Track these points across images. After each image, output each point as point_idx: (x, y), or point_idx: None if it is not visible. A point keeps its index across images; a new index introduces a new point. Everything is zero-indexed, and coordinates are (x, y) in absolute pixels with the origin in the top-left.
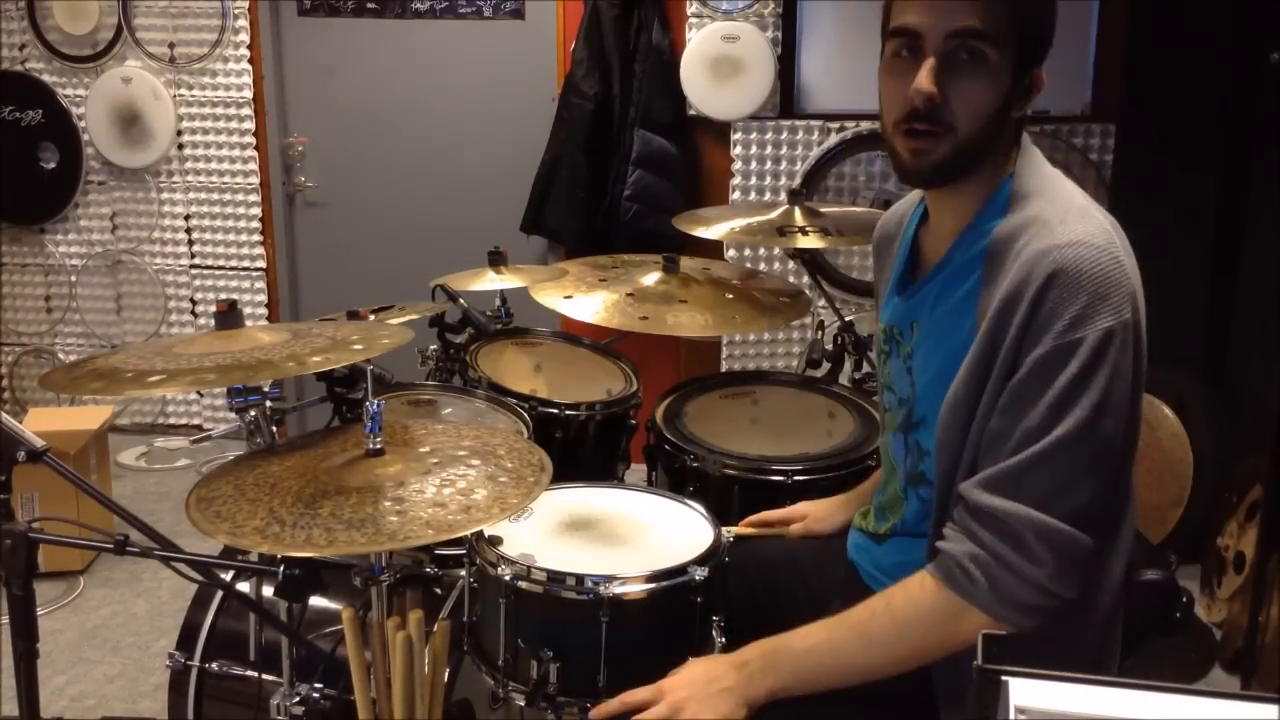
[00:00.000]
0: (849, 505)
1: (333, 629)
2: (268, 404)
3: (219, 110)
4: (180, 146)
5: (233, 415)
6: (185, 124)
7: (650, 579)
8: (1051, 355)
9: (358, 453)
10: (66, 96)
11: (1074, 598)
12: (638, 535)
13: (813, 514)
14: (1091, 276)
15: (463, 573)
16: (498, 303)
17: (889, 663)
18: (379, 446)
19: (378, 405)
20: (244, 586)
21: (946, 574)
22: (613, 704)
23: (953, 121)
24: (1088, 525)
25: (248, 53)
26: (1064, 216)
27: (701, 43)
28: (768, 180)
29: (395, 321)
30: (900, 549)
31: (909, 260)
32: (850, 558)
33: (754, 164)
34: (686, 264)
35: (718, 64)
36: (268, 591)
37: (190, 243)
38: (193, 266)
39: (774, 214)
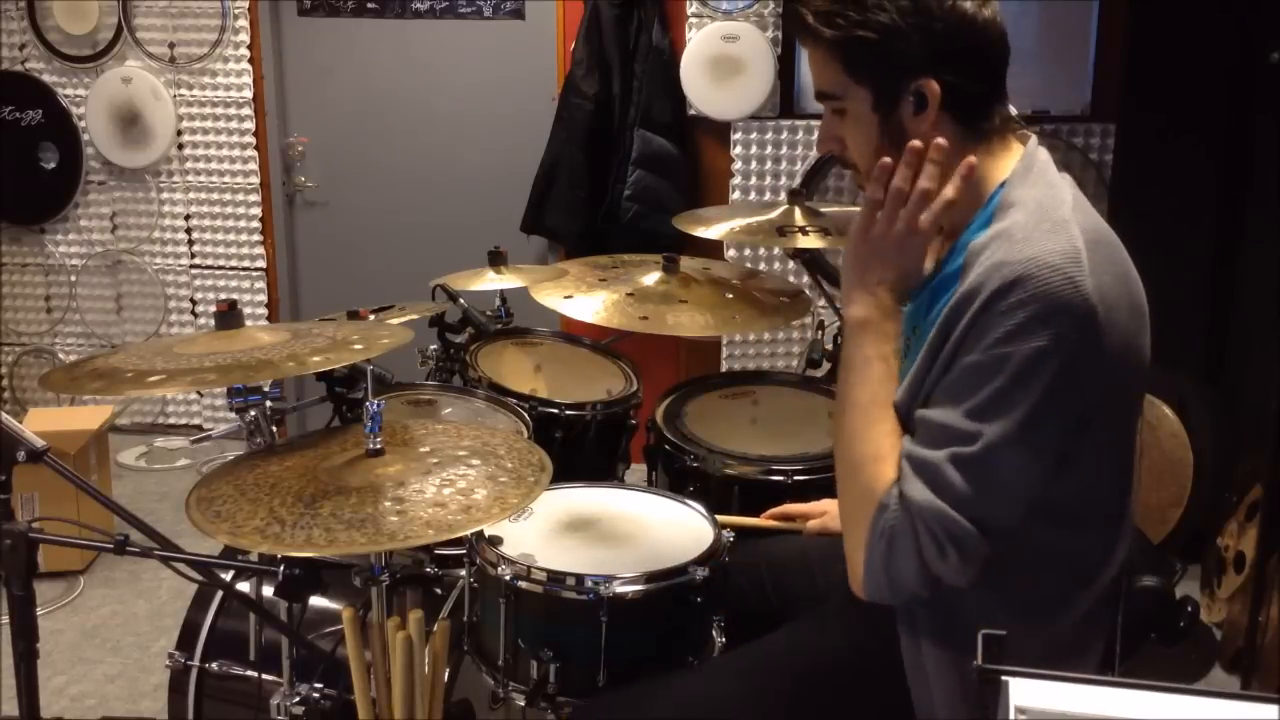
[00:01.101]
0: None
1: (333, 629)
2: (268, 404)
3: (219, 110)
4: (180, 146)
5: (233, 415)
6: (185, 124)
7: (650, 579)
8: (982, 364)
9: (358, 453)
10: (66, 96)
11: (955, 588)
12: (638, 535)
13: (831, 511)
14: (1035, 296)
15: (463, 573)
16: (498, 303)
17: (837, 459)
18: (379, 446)
19: (378, 405)
20: (244, 586)
21: (879, 508)
22: None
23: (855, 161)
24: (993, 531)
25: (248, 53)
26: (1032, 232)
27: (701, 43)
28: (768, 180)
29: (395, 321)
30: None
31: None
32: None
33: (754, 164)
34: (686, 264)
35: (718, 64)
36: (268, 591)
37: (190, 243)
38: (193, 266)
39: (774, 214)
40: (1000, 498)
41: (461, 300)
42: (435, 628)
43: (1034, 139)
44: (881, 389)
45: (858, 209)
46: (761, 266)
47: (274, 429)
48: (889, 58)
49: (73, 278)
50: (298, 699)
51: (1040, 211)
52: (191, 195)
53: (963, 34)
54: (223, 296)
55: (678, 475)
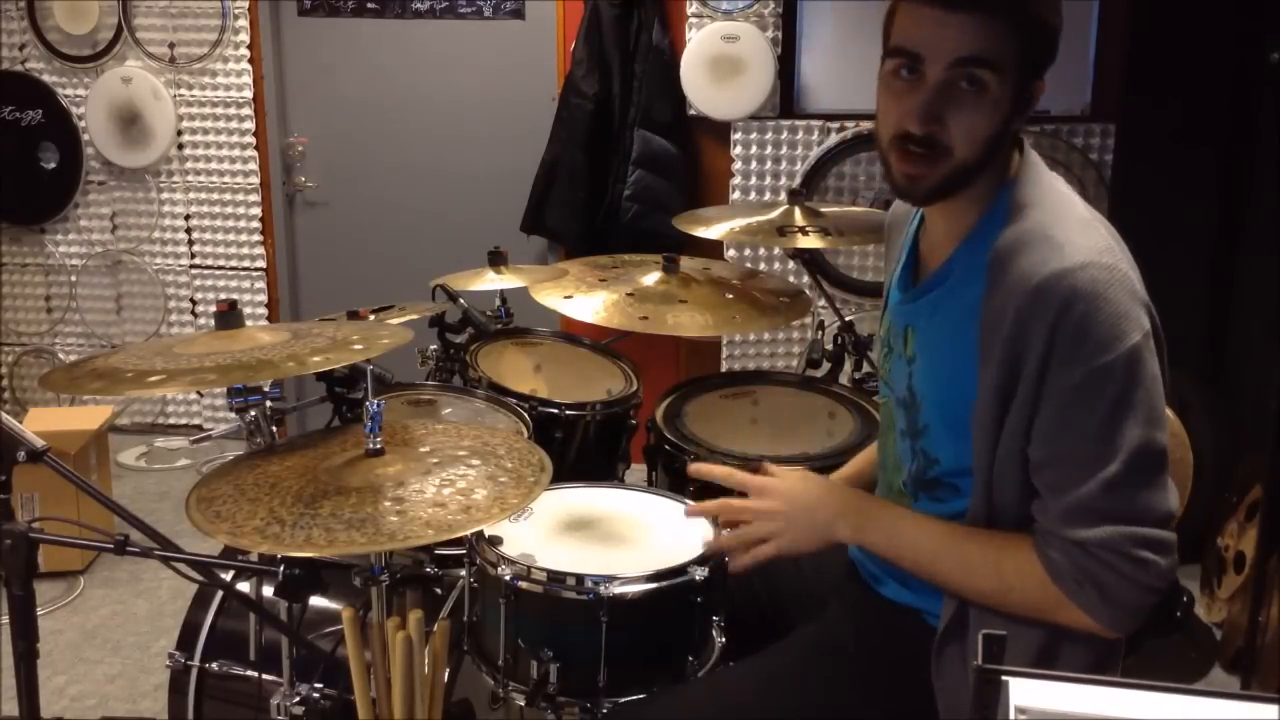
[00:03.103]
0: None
1: (333, 629)
2: (268, 404)
3: (219, 110)
4: (180, 146)
5: (233, 415)
6: (185, 124)
7: (650, 579)
8: (1088, 381)
9: (358, 453)
10: (66, 96)
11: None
12: (638, 535)
13: None
14: (1108, 298)
15: (463, 573)
16: (498, 303)
17: (976, 598)
18: (379, 446)
19: (378, 405)
20: (244, 586)
21: (1055, 574)
22: (717, 470)
23: (950, 146)
24: (1170, 523)
25: (248, 53)
26: (1069, 234)
27: (701, 43)
28: (768, 180)
29: (395, 321)
30: None
31: (909, 260)
32: (850, 555)
33: (754, 164)
34: (686, 264)
35: (718, 64)
36: (268, 591)
37: (190, 243)
38: (193, 266)
39: (774, 214)
40: (1162, 489)
41: (461, 300)
42: (435, 628)
43: (1026, 141)
44: (936, 539)
45: (858, 209)
46: (761, 266)
47: (274, 429)
48: (1049, 53)
49: (73, 278)
50: (298, 699)
51: (1061, 209)
52: (191, 195)
53: (1057, 43)
54: (223, 296)
55: (678, 475)
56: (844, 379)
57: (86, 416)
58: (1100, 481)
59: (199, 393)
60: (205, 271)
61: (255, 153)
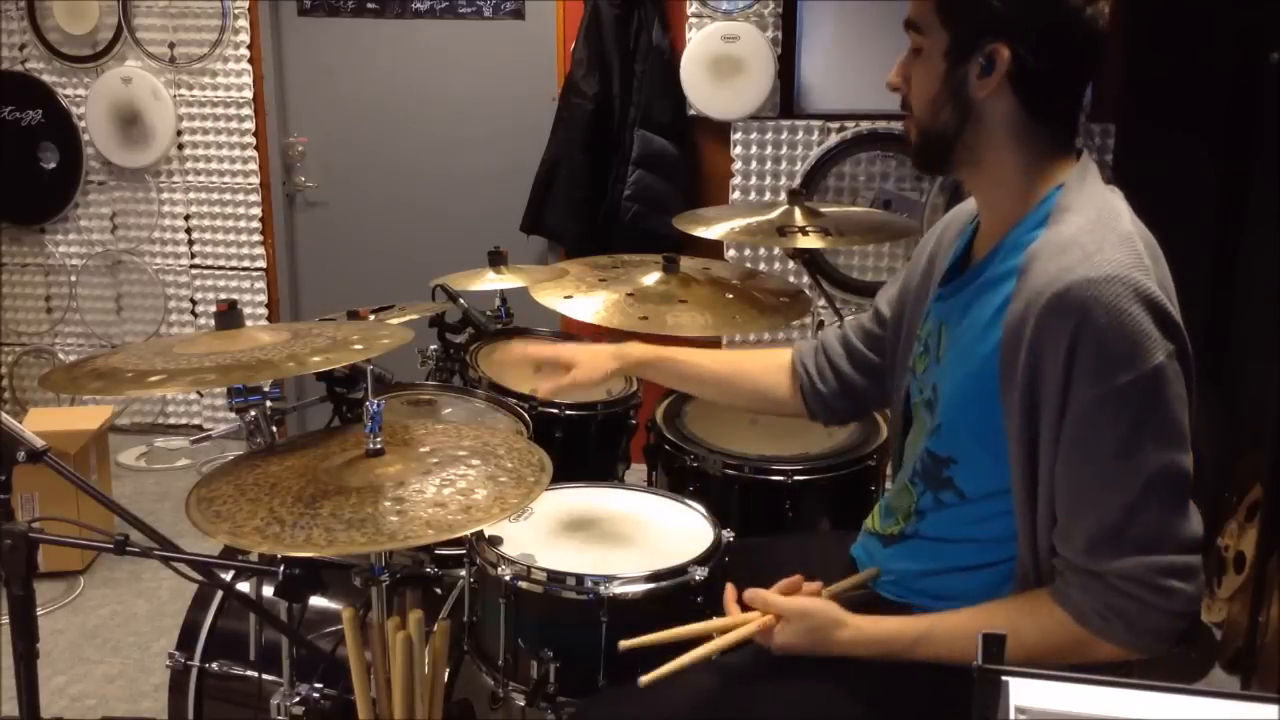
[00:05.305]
0: (620, 356)
1: (333, 629)
2: (268, 404)
3: (219, 110)
4: (180, 146)
5: (233, 415)
6: (185, 124)
7: (650, 579)
8: (1108, 400)
9: (358, 453)
10: (66, 96)
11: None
12: (638, 535)
13: (582, 361)
14: (1132, 314)
15: (463, 573)
16: (498, 303)
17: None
18: (379, 446)
19: (378, 405)
20: (244, 586)
21: (1079, 615)
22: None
23: (912, 104)
24: (1196, 548)
25: (248, 53)
26: (1102, 244)
27: (701, 43)
28: (768, 180)
29: (395, 321)
30: (911, 554)
31: (960, 257)
32: (851, 554)
33: (754, 164)
34: (686, 264)
35: (718, 64)
36: (268, 591)
37: (190, 243)
38: (193, 266)
39: (774, 214)
40: (1184, 513)
41: (461, 300)
42: (435, 628)
43: (1086, 152)
44: (947, 632)
45: (858, 209)
46: (761, 266)
47: (274, 429)
48: (975, 9)
49: (73, 278)
50: (298, 699)
51: (1103, 221)
52: (191, 195)
53: (1054, 14)
54: (223, 296)
55: (678, 475)
56: None
57: (86, 416)
58: (1121, 507)
59: (199, 393)
60: (205, 271)
61: (255, 153)
